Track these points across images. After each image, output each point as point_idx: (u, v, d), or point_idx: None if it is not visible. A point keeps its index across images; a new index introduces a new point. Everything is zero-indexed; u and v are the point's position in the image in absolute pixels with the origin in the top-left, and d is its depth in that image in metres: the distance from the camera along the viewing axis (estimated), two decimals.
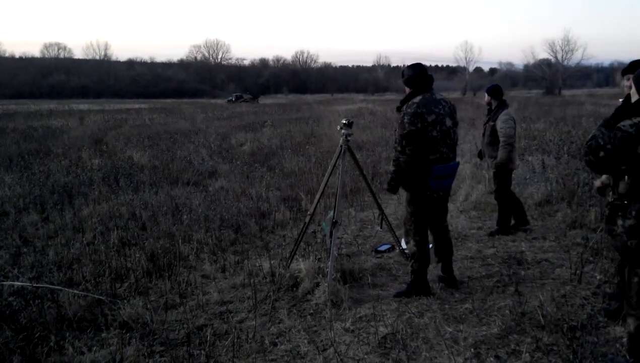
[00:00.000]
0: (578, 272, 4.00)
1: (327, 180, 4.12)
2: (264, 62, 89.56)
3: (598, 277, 3.96)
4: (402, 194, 7.35)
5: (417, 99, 3.55)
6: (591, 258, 4.37)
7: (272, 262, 4.23)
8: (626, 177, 2.41)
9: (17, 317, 3.40)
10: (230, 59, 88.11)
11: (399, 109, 3.64)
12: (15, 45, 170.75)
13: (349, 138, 3.99)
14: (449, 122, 3.62)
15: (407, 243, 3.90)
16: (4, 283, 3.85)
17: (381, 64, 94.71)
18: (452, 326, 3.27)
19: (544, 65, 71.60)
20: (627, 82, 3.14)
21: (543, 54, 76.02)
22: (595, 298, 3.66)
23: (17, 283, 3.85)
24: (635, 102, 2.44)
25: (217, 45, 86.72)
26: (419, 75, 3.63)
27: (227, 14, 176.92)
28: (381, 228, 4.53)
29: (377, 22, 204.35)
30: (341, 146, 3.97)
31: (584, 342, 3.01)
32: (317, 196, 4.17)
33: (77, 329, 3.39)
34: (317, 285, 3.82)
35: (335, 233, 3.90)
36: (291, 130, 15.15)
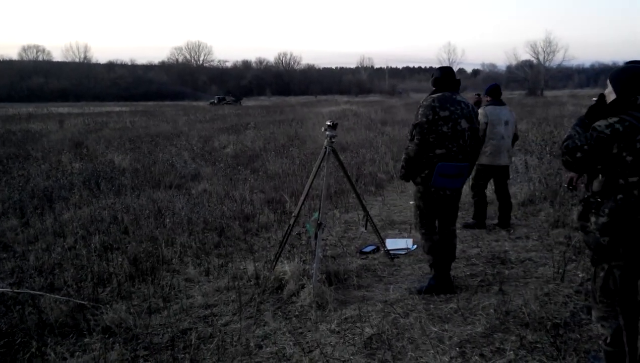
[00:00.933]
0: (561, 270, 4.07)
1: (312, 182, 4.13)
2: (246, 64, 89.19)
3: (580, 275, 4.02)
4: (387, 196, 7.49)
5: (436, 95, 3.70)
6: (574, 257, 4.44)
7: (256, 264, 4.21)
8: (600, 175, 2.47)
9: None
10: (212, 61, 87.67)
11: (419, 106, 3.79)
12: None
13: (333, 140, 4.01)
14: (464, 124, 3.69)
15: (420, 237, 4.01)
16: None
17: (364, 65, 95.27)
18: (437, 326, 3.30)
19: (526, 67, 72.79)
20: None
21: (525, 56, 77.32)
22: (578, 296, 3.72)
23: None
24: (611, 102, 2.50)
25: (199, 47, 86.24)
26: (444, 77, 3.76)
27: (209, 16, 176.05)
28: (365, 229, 4.56)
29: (361, 24, 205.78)
30: (325, 148, 3.99)
31: (567, 339, 3.08)
32: (302, 198, 4.18)
33: (59, 335, 3.33)
34: (302, 287, 3.82)
35: (320, 235, 3.91)
36: (274, 132, 15.11)
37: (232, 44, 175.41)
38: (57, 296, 3.70)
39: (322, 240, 5.12)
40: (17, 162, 10.48)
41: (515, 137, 5.83)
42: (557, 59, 71.71)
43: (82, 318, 3.53)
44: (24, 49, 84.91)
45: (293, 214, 4.24)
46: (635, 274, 2.51)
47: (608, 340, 2.53)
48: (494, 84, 5.90)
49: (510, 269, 4.33)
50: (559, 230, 5.35)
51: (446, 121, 3.61)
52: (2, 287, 3.82)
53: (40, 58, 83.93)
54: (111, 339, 3.26)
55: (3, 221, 6.08)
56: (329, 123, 4.00)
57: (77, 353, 3.10)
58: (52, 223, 5.85)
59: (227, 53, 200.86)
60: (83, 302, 3.68)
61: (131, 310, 3.65)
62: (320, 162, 4.03)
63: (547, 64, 72.13)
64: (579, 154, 2.35)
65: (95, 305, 3.72)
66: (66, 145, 13.02)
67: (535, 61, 72.58)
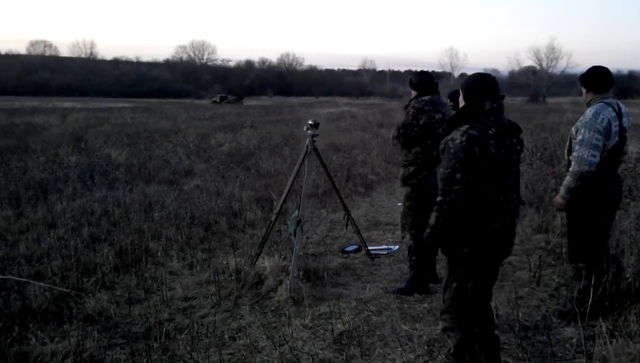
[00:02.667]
0: (537, 275, 4.13)
1: (293, 181, 4.23)
2: (249, 64, 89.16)
3: (556, 280, 4.09)
4: (376, 197, 7.57)
5: (427, 97, 3.81)
6: (553, 262, 4.51)
7: (238, 259, 4.31)
8: None
9: None
10: (215, 60, 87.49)
11: (406, 107, 3.91)
12: (1, 42, 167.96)
13: (314, 138, 4.11)
14: None
15: (402, 237, 4.08)
16: None
17: (366, 68, 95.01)
18: (408, 324, 3.38)
19: (528, 73, 72.54)
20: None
21: (528, 62, 76.83)
22: (552, 300, 3.79)
23: None
24: (460, 109, 2.52)
25: (203, 46, 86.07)
26: (427, 80, 3.89)
27: (214, 15, 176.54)
28: (346, 228, 4.66)
29: (364, 26, 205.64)
30: (307, 146, 4.09)
31: (535, 341, 3.15)
32: (283, 195, 4.28)
33: (42, 321, 3.43)
34: (281, 282, 3.91)
35: (300, 233, 4.01)
36: (271, 132, 15.23)
37: (236, 44, 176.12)
38: (41, 283, 3.80)
39: (307, 238, 5.23)
40: (16, 154, 10.61)
41: None
42: (561, 66, 71.42)
43: (65, 306, 3.64)
44: (32, 44, 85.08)
45: (274, 211, 4.34)
46: (488, 285, 2.58)
47: (452, 351, 2.58)
48: (456, 90, 5.91)
49: None
50: (542, 235, 5.41)
51: (440, 123, 3.74)
52: None
53: (47, 53, 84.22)
54: (90, 327, 3.36)
55: None
56: (310, 122, 4.10)
57: (57, 338, 3.20)
58: (45, 214, 5.96)
59: (231, 52, 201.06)
60: (67, 291, 3.79)
61: (113, 300, 3.75)
62: (302, 161, 4.13)
63: (550, 70, 71.96)
64: (458, 175, 2.29)
65: (79, 294, 3.83)
66: (66, 139, 13.14)
67: (538, 67, 72.45)
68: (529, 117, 23.51)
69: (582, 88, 3.38)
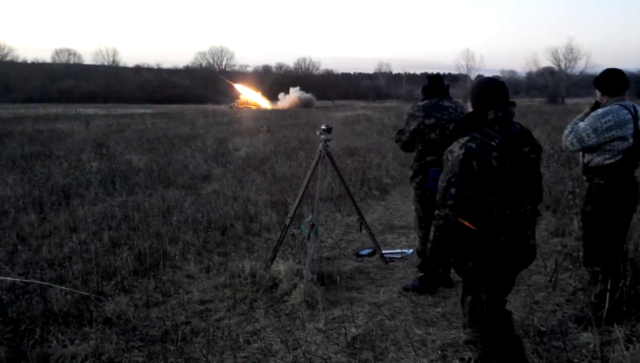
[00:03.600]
0: (553, 279, 4.07)
1: (307, 185, 4.26)
2: (266, 69, 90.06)
3: (573, 284, 4.02)
4: (391, 201, 7.56)
5: (422, 103, 3.89)
6: (569, 266, 4.43)
7: (253, 263, 4.36)
8: None
9: (6, 311, 3.56)
10: (234, 65, 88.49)
11: None
12: (28, 51, 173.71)
13: (328, 143, 4.15)
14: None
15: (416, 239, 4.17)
16: None
17: (382, 71, 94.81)
18: (422, 329, 3.37)
19: (546, 74, 71.39)
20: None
21: (546, 62, 75.48)
22: (568, 304, 3.73)
23: (8, 278, 4.01)
24: (464, 116, 2.43)
25: (222, 52, 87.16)
26: (431, 85, 3.94)
27: (232, 22, 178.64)
28: (360, 232, 4.67)
29: (379, 29, 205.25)
30: (320, 151, 4.13)
31: (551, 347, 3.11)
32: (297, 199, 4.32)
33: (63, 324, 3.53)
34: (295, 286, 3.95)
35: (313, 236, 4.04)
36: (287, 136, 15.33)
37: (254, 50, 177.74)
38: (63, 287, 3.91)
39: (321, 241, 5.26)
40: (40, 160, 10.92)
41: None
42: (580, 66, 70.04)
43: (86, 309, 3.73)
44: (57, 52, 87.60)
45: (288, 216, 4.38)
46: (501, 296, 2.51)
47: None
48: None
49: None
50: (558, 238, 5.33)
51: (433, 128, 3.75)
52: (13, 277, 4.06)
53: (71, 61, 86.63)
54: (110, 330, 3.44)
55: (22, 215, 6.38)
56: (324, 127, 4.14)
57: (77, 341, 3.29)
58: (67, 218, 6.12)
59: (249, 58, 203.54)
60: (87, 294, 3.89)
61: (131, 303, 3.84)
62: (315, 165, 4.17)
63: (568, 71, 70.62)
64: (452, 190, 2.25)
65: (98, 297, 3.93)
66: (88, 145, 13.48)
67: (556, 68, 71.17)
68: (546, 118, 23.12)
69: (597, 91, 3.35)
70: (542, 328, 3.32)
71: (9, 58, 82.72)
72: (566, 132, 3.34)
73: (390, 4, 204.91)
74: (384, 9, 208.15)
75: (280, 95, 57.46)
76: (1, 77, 68.62)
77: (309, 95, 54.29)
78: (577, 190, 5.85)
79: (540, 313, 3.56)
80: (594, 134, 3.15)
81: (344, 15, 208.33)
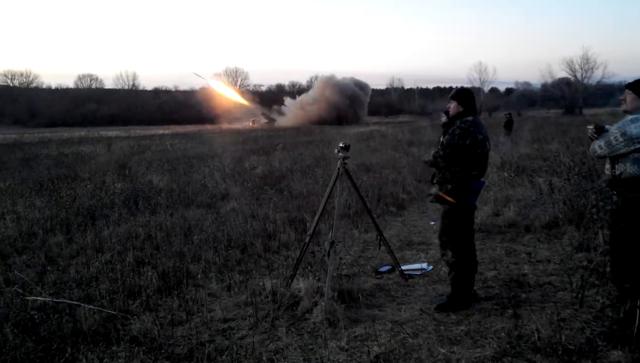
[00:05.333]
0: (580, 295, 3.95)
1: (326, 202, 4.33)
2: (280, 88, 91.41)
3: (600, 301, 3.89)
4: (408, 217, 7.55)
5: (470, 118, 3.92)
6: (596, 282, 4.32)
7: (274, 281, 4.43)
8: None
9: (38, 330, 3.69)
10: (248, 85, 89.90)
11: (449, 119, 3.98)
12: (52, 77, 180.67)
13: (346, 161, 4.22)
14: (488, 145, 3.99)
15: (442, 255, 4.11)
16: (28, 298, 4.15)
17: (394, 86, 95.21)
18: (445, 347, 3.34)
19: (562, 85, 70.67)
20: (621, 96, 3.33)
21: (561, 73, 74.75)
22: (596, 322, 3.61)
23: (39, 298, 4.15)
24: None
25: (236, 72, 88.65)
26: (472, 100, 4.01)
27: (245, 43, 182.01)
28: (379, 249, 4.70)
29: (390, 45, 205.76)
30: (339, 169, 4.21)
31: None
32: (316, 217, 4.38)
33: (91, 342, 3.63)
34: (316, 304, 3.98)
35: (333, 254, 4.09)
36: (302, 153, 15.48)
37: (267, 69, 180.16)
38: (91, 306, 4.03)
39: (340, 259, 5.29)
40: (66, 182, 11.24)
41: None
42: (596, 76, 69.16)
43: (113, 327, 3.84)
44: (79, 78, 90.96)
45: (308, 233, 4.44)
46: None
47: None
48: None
49: (528, 293, 4.23)
50: (583, 254, 5.19)
51: (481, 145, 3.84)
52: (44, 297, 4.20)
53: (93, 86, 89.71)
54: (137, 348, 3.52)
55: (50, 237, 6.59)
56: (341, 145, 4.23)
57: (106, 360, 3.39)
58: (93, 239, 6.30)
59: (262, 77, 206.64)
60: (114, 313, 4.00)
61: (157, 322, 3.93)
62: (334, 183, 4.24)
63: (585, 81, 69.74)
64: None
65: (125, 315, 4.03)
66: (111, 167, 13.81)
67: (572, 79, 70.43)
68: (564, 130, 22.84)
69: (632, 93, 3.23)
70: (570, 347, 3.22)
71: (34, 85, 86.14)
72: (594, 140, 3.34)
73: (400, 18, 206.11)
74: (394, 24, 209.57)
75: (287, 101, 57.89)
76: (27, 103, 71.35)
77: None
78: (601, 204, 5.73)
79: (568, 331, 3.46)
80: (622, 138, 3.09)
81: (356, 31, 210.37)
